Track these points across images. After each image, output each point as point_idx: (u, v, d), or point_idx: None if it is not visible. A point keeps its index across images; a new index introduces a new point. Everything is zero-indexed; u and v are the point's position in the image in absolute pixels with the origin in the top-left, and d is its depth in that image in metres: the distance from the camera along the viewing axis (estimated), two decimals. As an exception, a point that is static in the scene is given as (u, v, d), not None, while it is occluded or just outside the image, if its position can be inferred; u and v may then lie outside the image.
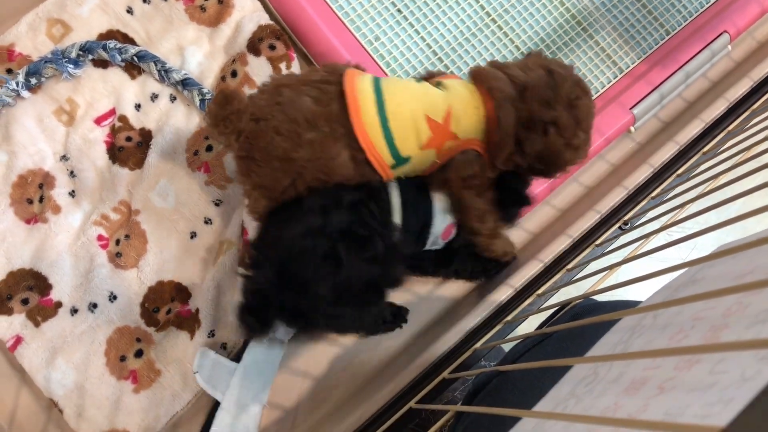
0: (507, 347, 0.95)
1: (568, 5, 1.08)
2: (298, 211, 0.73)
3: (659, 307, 0.49)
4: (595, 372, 0.50)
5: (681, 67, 1.05)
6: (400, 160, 0.75)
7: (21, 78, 0.93)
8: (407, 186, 0.79)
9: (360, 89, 0.73)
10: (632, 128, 1.03)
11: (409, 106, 0.73)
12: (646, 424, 0.36)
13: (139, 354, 0.90)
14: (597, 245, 0.93)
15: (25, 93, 0.94)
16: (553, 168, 0.78)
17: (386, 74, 1.00)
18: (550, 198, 1.02)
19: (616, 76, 1.06)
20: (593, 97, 1.02)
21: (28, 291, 0.91)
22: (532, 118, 0.73)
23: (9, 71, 0.96)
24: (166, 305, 0.91)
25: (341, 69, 0.75)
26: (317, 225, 0.70)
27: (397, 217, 0.77)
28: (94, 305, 0.91)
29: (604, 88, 1.05)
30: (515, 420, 0.52)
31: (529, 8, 1.07)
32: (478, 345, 0.87)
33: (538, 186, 0.96)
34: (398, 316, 0.94)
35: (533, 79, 0.74)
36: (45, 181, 0.95)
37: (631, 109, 1.02)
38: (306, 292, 0.71)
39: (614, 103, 1.02)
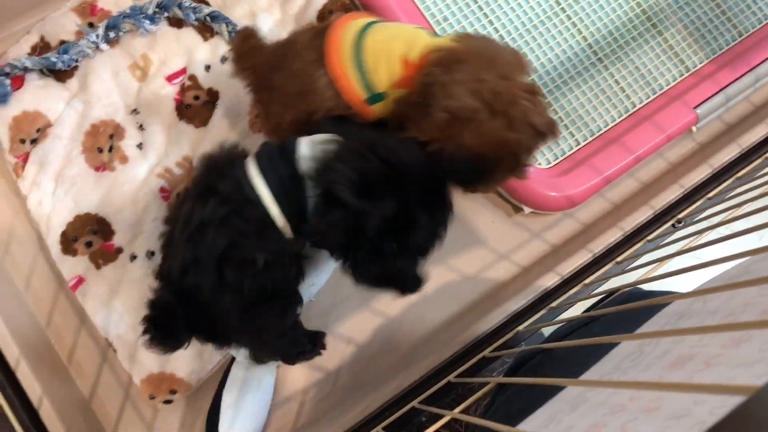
0: (547, 332, 0.96)
1: (639, 0, 1.07)
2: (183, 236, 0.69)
3: (711, 291, 0.50)
4: (641, 350, 0.51)
5: (751, 69, 1.03)
6: (374, 95, 0.75)
7: (101, 31, 0.97)
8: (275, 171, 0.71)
9: (347, 25, 0.75)
10: (694, 128, 1.02)
11: (388, 44, 0.74)
12: (690, 387, 0.36)
13: (190, 305, 0.93)
14: (649, 240, 0.92)
15: (104, 46, 0.98)
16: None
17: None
18: (604, 191, 1.01)
19: (682, 75, 1.05)
20: (655, 95, 1.02)
21: (92, 235, 0.95)
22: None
23: (90, 25, 1.01)
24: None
25: None
26: (194, 256, 0.67)
27: (274, 211, 0.69)
28: (152, 253, 0.94)
29: (669, 86, 1.04)
30: (556, 393, 0.53)
31: (600, 0, 1.07)
32: (521, 327, 0.88)
33: (591, 178, 0.96)
34: (315, 341, 0.90)
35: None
36: (116, 132, 0.99)
37: (695, 108, 1.01)
38: (207, 313, 0.68)
39: (678, 101, 1.01)
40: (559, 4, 1.06)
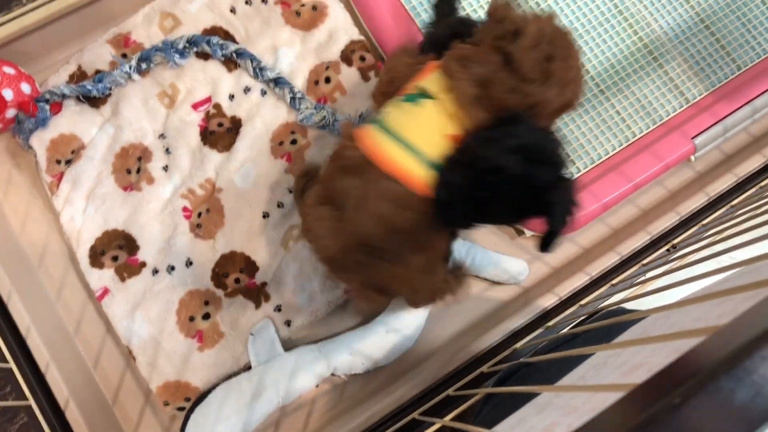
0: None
1: (641, 34, 1.12)
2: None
3: (664, 309, 0.54)
4: (605, 361, 0.56)
5: (749, 102, 1.07)
6: (431, 163, 0.73)
7: (134, 62, 1.05)
8: None
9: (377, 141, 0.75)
10: (693, 157, 1.06)
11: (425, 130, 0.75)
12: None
13: (206, 317, 0.99)
14: (644, 264, 0.96)
15: (135, 76, 1.06)
16: None
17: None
18: (604, 216, 1.06)
19: (682, 106, 1.09)
20: (655, 125, 1.06)
21: (118, 249, 1.02)
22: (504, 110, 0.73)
23: (124, 55, 1.09)
24: (235, 273, 1.01)
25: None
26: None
27: None
28: (172, 268, 1.01)
29: (669, 116, 1.08)
30: (531, 400, 0.58)
31: (603, 35, 1.12)
32: (518, 345, 0.93)
33: (591, 204, 1.01)
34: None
35: (491, 71, 0.73)
36: (143, 155, 1.07)
37: (693, 138, 1.05)
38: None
39: (677, 131, 1.05)
40: (563, 38, 1.11)
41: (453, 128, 0.74)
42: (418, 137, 0.74)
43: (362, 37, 1.11)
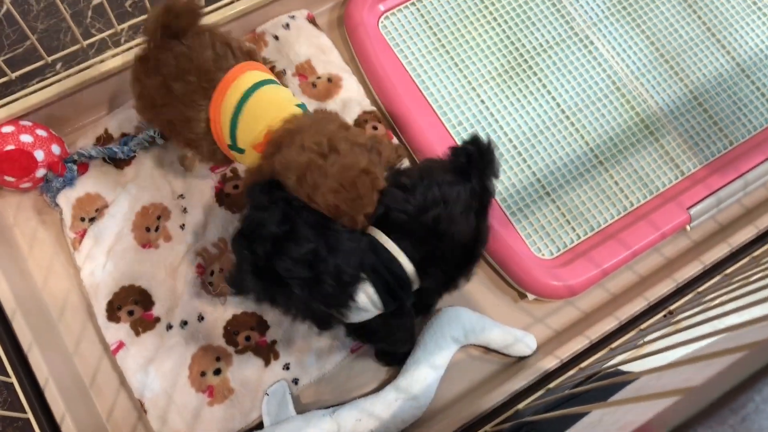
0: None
1: (638, 110, 1.19)
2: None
3: (655, 371, 0.58)
4: (601, 419, 0.59)
5: (741, 175, 1.12)
6: (235, 146, 0.88)
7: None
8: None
9: (242, 76, 0.86)
10: (688, 227, 1.11)
11: (263, 109, 0.85)
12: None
13: (217, 372, 1.02)
14: (642, 330, 1.00)
15: (159, 140, 1.13)
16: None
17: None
18: (604, 281, 1.10)
19: (677, 178, 1.14)
20: (652, 196, 1.11)
21: (134, 304, 1.06)
22: None
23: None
24: (246, 331, 1.04)
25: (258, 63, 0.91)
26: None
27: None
28: (185, 323, 1.05)
29: (665, 188, 1.14)
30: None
31: (602, 109, 1.18)
32: (521, 406, 0.95)
33: (590, 270, 1.05)
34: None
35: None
36: (162, 214, 1.12)
37: (688, 209, 1.10)
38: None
39: (672, 202, 1.10)
40: (563, 112, 1.18)
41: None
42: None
43: (374, 108, 1.18)
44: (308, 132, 0.80)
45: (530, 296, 1.07)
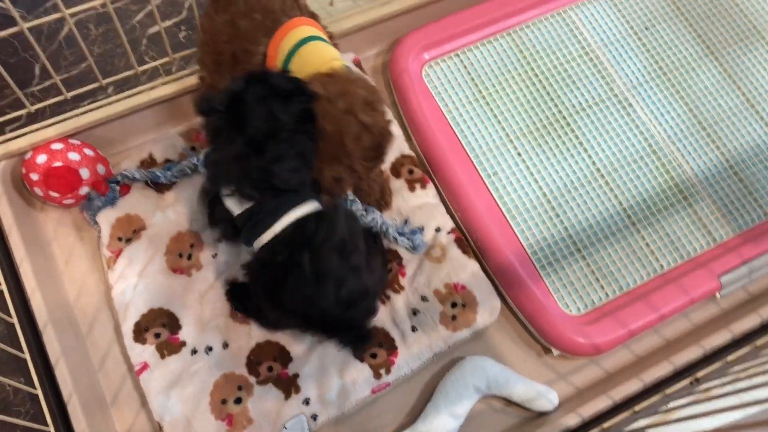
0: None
1: (672, 174, 1.20)
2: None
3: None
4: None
5: (774, 247, 1.12)
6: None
7: (201, 156, 1.15)
8: None
9: (296, 29, 0.93)
10: (718, 294, 1.10)
11: (310, 59, 0.92)
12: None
13: (238, 401, 1.02)
14: (666, 395, 0.99)
15: (201, 168, 1.15)
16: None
17: (499, 207, 1.14)
18: (629, 343, 1.09)
19: (710, 245, 1.14)
20: (683, 260, 1.11)
21: (161, 327, 1.07)
22: None
23: (193, 148, 1.19)
24: (269, 362, 1.05)
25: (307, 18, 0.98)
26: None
27: None
28: (210, 348, 1.05)
29: (696, 253, 1.13)
30: None
31: (637, 171, 1.19)
32: (539, 463, 0.94)
33: (617, 330, 1.04)
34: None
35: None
36: (195, 242, 1.14)
37: (719, 276, 1.09)
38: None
39: (703, 268, 1.10)
40: (599, 171, 1.19)
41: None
42: None
43: (412, 153, 1.20)
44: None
45: (555, 351, 1.07)
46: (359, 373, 1.04)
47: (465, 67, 1.26)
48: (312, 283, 0.85)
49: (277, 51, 0.94)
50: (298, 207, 0.89)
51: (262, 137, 0.85)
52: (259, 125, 0.85)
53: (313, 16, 1.02)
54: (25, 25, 0.92)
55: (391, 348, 1.06)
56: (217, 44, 0.99)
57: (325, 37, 0.97)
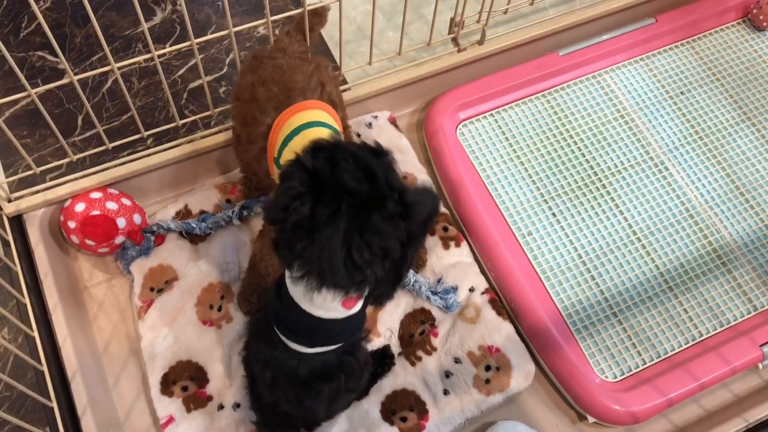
0: None
1: (710, 239, 1.18)
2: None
3: None
4: None
5: (818, 317, 1.09)
6: (278, 163, 0.91)
7: (236, 209, 1.15)
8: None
9: (299, 114, 0.91)
10: (761, 365, 1.07)
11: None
12: None
13: (263, 460, 1.00)
14: (709, 469, 0.95)
15: (236, 221, 1.16)
16: None
17: (534, 267, 1.13)
18: (668, 412, 1.05)
19: (750, 312, 1.11)
20: (722, 328, 1.08)
21: (189, 380, 1.06)
22: None
23: (228, 201, 1.19)
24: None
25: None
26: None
27: None
28: (237, 405, 1.04)
29: (736, 321, 1.10)
30: None
31: (674, 234, 1.18)
32: None
33: (655, 398, 1.01)
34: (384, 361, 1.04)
35: None
36: (226, 294, 1.13)
37: (761, 346, 1.06)
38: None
39: (744, 337, 1.07)
40: (635, 233, 1.17)
41: None
42: None
43: (446, 210, 1.20)
44: None
45: (590, 419, 1.03)
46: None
47: (500, 126, 1.27)
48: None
49: (281, 127, 0.92)
50: None
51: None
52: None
53: (333, 104, 0.98)
54: (75, 78, 0.95)
55: (422, 412, 1.03)
56: (241, 101, 1.00)
57: (335, 124, 0.94)
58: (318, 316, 0.76)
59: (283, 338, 0.81)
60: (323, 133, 0.88)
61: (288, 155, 0.90)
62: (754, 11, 1.38)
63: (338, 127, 0.95)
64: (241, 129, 1.02)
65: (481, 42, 1.30)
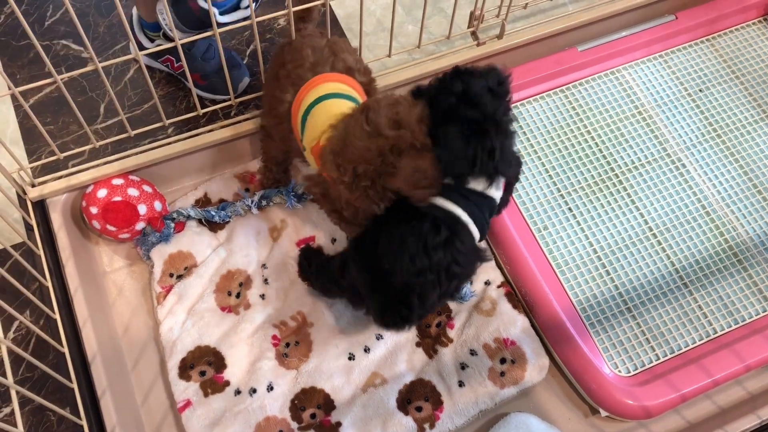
0: None
1: (727, 236, 1.18)
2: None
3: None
4: None
5: (834, 315, 1.09)
6: (303, 142, 0.96)
7: (256, 198, 1.17)
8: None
9: (317, 87, 0.94)
10: (775, 362, 1.07)
11: (321, 118, 0.90)
12: None
13: (278, 446, 1.01)
14: (721, 464, 0.95)
15: (254, 210, 1.17)
16: None
17: (549, 261, 1.13)
18: (681, 408, 1.06)
19: (765, 311, 1.11)
20: (737, 325, 1.08)
21: (207, 365, 1.07)
22: None
23: (247, 190, 1.21)
24: (312, 408, 1.04)
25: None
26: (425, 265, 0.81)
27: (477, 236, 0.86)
28: (254, 390, 1.05)
29: (752, 318, 1.10)
30: None
31: (689, 231, 1.18)
32: None
33: (668, 393, 1.01)
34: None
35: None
36: (245, 281, 1.15)
37: (776, 344, 1.06)
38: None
39: (760, 334, 1.07)
40: (651, 230, 1.18)
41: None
42: None
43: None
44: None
45: (603, 413, 1.04)
46: (402, 426, 1.02)
47: (517, 121, 1.27)
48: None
49: (300, 104, 0.96)
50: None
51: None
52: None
53: (350, 70, 0.99)
54: (100, 65, 0.96)
55: (437, 402, 1.04)
56: (268, 81, 1.04)
57: (351, 91, 0.96)
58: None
59: None
60: (335, 107, 0.91)
61: (310, 135, 0.93)
62: (776, 9, 1.37)
63: (356, 94, 0.96)
64: (269, 113, 1.05)
65: (500, 36, 1.31)
